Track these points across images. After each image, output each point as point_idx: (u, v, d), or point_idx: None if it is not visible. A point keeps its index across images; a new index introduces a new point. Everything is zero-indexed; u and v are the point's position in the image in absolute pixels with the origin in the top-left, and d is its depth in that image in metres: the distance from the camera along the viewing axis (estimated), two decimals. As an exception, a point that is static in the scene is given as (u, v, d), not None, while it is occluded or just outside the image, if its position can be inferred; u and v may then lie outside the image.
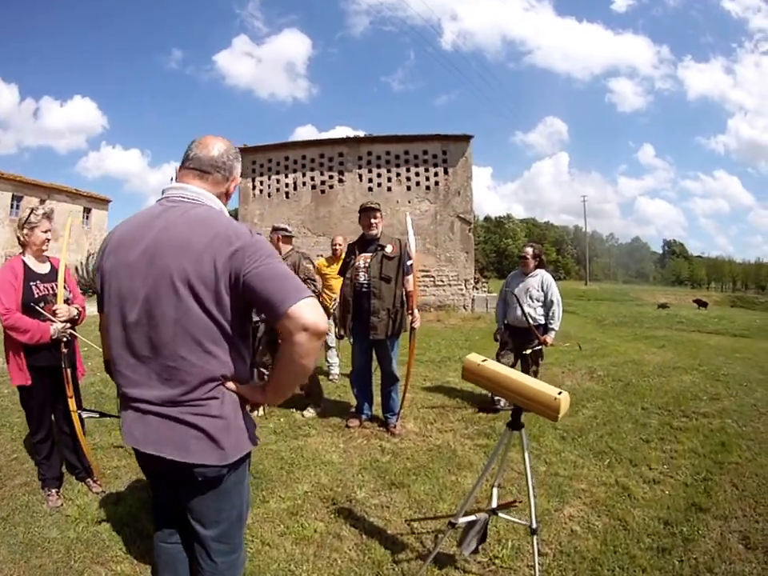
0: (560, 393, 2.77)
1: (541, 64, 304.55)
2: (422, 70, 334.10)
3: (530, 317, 6.94)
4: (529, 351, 6.91)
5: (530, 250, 7.43)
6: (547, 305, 7.16)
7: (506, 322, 7.37)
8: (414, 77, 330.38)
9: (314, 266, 7.14)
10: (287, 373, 2.16)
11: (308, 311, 1.97)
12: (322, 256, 9.19)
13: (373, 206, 6.28)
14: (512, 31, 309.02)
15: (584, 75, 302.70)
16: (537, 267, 7.42)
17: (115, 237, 2.27)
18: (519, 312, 6.97)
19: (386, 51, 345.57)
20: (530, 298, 7.15)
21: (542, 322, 7.17)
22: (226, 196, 2.39)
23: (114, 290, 2.19)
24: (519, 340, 7.12)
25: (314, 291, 6.69)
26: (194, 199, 2.22)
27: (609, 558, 3.63)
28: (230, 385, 2.19)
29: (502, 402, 6.47)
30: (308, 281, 6.60)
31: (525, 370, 6.97)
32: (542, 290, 7.18)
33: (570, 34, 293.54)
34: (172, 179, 2.49)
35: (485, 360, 3.14)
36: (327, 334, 6.80)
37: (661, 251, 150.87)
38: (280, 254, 6.87)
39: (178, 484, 2.26)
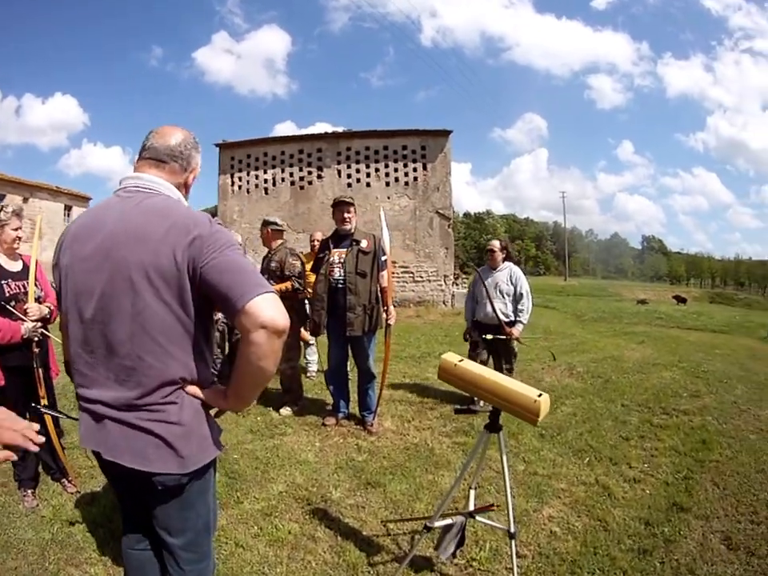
0: (540, 395, 2.70)
1: (520, 60, 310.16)
2: (401, 66, 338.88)
3: (501, 312, 6.87)
4: (490, 337, 6.83)
5: (496, 243, 7.32)
6: (516, 298, 7.05)
7: (475, 319, 7.25)
8: (394, 73, 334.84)
9: (302, 263, 6.98)
10: (246, 376, 2.02)
11: (266, 307, 1.86)
12: (302, 252, 9.12)
13: (346, 200, 6.22)
14: (491, 28, 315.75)
15: (563, 72, 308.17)
16: (505, 260, 7.30)
17: (71, 231, 2.16)
18: (489, 308, 6.86)
19: (366, 47, 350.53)
20: (500, 292, 7.03)
21: (512, 317, 7.09)
22: (185, 187, 2.28)
23: (70, 286, 2.08)
24: (493, 337, 6.93)
25: (300, 288, 6.69)
26: (150, 189, 2.11)
27: (589, 560, 3.58)
28: (190, 389, 2.07)
29: (481, 403, 6.35)
30: (293, 278, 6.58)
31: (497, 368, 6.90)
32: (512, 283, 7.06)
33: (549, 30, 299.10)
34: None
35: (462, 360, 3.05)
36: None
37: (640, 247, 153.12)
38: (270, 248, 6.94)
39: (141, 491, 2.16)
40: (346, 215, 6.15)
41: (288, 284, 6.48)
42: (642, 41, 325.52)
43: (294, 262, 6.75)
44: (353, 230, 6.23)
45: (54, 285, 2.27)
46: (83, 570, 3.43)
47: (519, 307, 7.00)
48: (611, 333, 17.00)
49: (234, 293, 1.87)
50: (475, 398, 6.20)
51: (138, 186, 2.11)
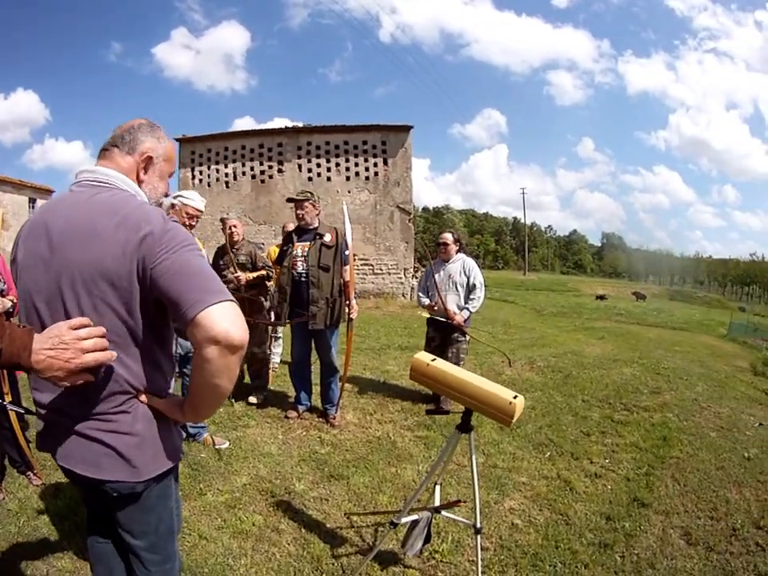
0: (515, 397, 2.66)
1: (478, 57, 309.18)
2: (360, 61, 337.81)
3: (456, 305, 6.84)
4: (427, 315, 6.94)
5: (449, 236, 7.18)
6: (470, 288, 6.91)
7: (428, 315, 7.12)
8: (352, 68, 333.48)
9: (265, 254, 7.16)
10: (200, 393, 1.85)
11: (221, 319, 1.66)
12: (264, 244, 8.93)
13: (299, 197, 6.19)
14: (450, 24, 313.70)
15: (523, 68, 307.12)
16: (458, 252, 7.18)
17: (26, 226, 2.03)
18: (441, 303, 6.80)
19: (325, 43, 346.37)
20: (453, 284, 6.93)
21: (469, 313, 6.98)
22: (138, 175, 2.09)
23: (22, 285, 1.96)
24: (444, 333, 6.93)
25: (271, 277, 6.81)
26: (103, 182, 1.96)
27: (550, 553, 3.64)
28: (144, 398, 1.94)
29: (452, 403, 6.36)
30: (266, 267, 6.73)
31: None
32: (465, 275, 6.93)
33: (508, 27, 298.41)
34: None
35: (434, 359, 2.97)
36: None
37: (599, 244, 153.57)
38: (234, 244, 6.92)
39: (99, 495, 2.07)
40: (298, 212, 6.16)
41: (263, 272, 6.60)
42: (603, 38, 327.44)
43: (262, 254, 6.97)
44: (314, 225, 6.24)
45: None
46: (50, 564, 3.40)
47: (471, 296, 6.87)
48: (571, 328, 17.26)
49: (186, 299, 1.69)
50: (442, 397, 6.27)
51: (90, 180, 1.98)
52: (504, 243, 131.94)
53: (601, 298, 36.58)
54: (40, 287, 1.88)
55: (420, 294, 7.33)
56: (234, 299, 1.73)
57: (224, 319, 1.65)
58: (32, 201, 41.02)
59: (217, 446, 5.33)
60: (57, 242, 1.85)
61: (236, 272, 6.41)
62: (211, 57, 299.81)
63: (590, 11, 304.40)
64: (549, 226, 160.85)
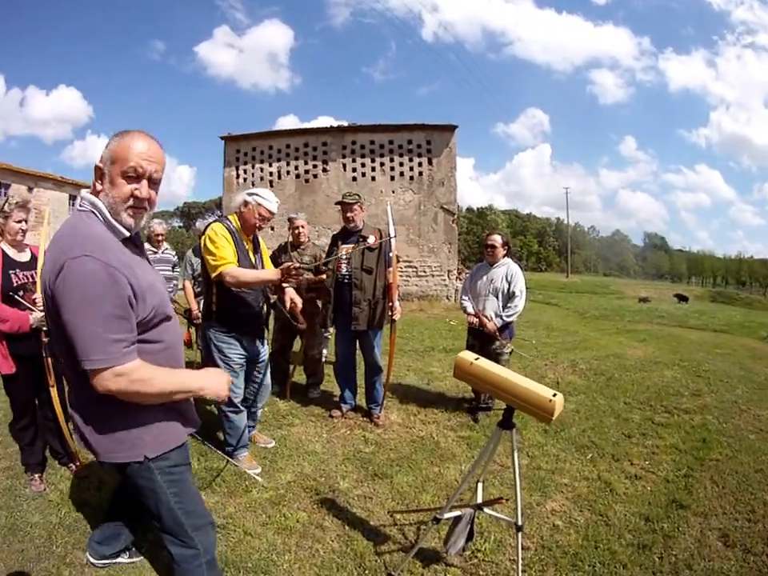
0: (555, 395, 2.73)
1: (521, 55, 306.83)
2: (403, 60, 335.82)
3: (495, 312, 6.60)
4: (454, 322, 6.77)
5: (498, 239, 6.80)
6: (509, 295, 6.60)
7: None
8: (396, 67, 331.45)
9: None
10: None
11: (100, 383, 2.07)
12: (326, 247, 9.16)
13: (348, 200, 6.23)
14: (492, 22, 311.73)
15: (565, 67, 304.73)
16: (505, 256, 6.82)
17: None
18: (482, 308, 6.69)
19: (367, 42, 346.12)
20: (494, 290, 6.67)
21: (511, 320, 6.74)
22: (96, 191, 2.28)
23: None
24: (484, 339, 6.64)
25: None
26: (78, 206, 2.26)
27: (590, 553, 3.66)
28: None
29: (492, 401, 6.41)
30: (328, 271, 6.64)
31: None
32: (507, 281, 6.62)
33: (549, 25, 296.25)
34: None
35: (477, 358, 3.08)
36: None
37: (642, 244, 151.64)
38: (299, 245, 7.10)
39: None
40: (348, 214, 6.20)
41: (324, 276, 6.56)
42: (644, 35, 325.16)
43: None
44: (359, 227, 6.28)
45: None
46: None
47: (508, 304, 6.58)
48: (613, 330, 16.96)
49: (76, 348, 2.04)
50: (483, 396, 6.32)
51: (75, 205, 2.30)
52: (547, 245, 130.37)
53: (644, 300, 36.04)
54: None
55: (463, 298, 7.07)
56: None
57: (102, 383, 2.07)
58: (72, 197, 40.69)
59: (262, 445, 5.42)
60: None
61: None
62: (255, 55, 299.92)
63: (629, 7, 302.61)
64: (591, 226, 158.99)
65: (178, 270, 8.45)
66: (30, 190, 36.12)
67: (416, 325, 15.09)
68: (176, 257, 8.51)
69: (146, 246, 7.86)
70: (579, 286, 58.47)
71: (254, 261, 4.80)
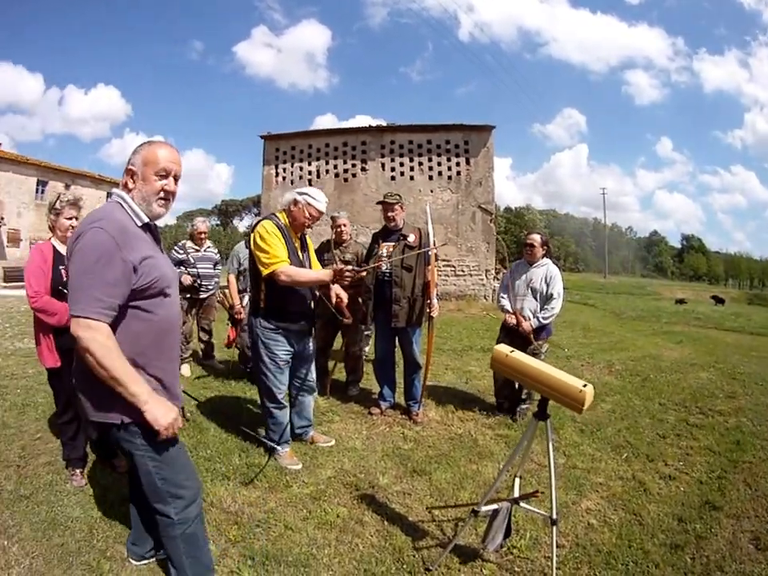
0: (585, 385, 2.83)
1: (557, 55, 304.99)
2: (440, 60, 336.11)
3: (532, 312, 6.54)
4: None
5: (537, 238, 6.70)
6: (546, 296, 6.54)
7: (506, 319, 6.78)
8: (433, 68, 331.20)
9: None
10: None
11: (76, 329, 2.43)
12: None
13: (389, 200, 6.35)
14: (527, 22, 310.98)
15: (600, 67, 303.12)
16: (544, 256, 6.74)
17: None
18: (519, 307, 6.61)
19: (404, 42, 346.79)
20: (532, 290, 6.60)
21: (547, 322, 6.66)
22: (127, 188, 2.75)
23: None
24: (519, 340, 6.34)
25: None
26: (110, 199, 2.81)
27: (623, 552, 3.68)
28: None
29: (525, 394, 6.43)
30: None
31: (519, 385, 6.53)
32: (546, 282, 6.55)
33: (584, 25, 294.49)
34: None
35: (513, 351, 3.20)
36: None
37: (679, 246, 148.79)
38: (341, 242, 7.23)
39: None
40: (389, 214, 6.32)
41: (364, 273, 6.41)
42: (677, 36, 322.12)
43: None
44: (400, 226, 6.40)
45: None
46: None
47: (545, 306, 6.51)
48: (650, 332, 16.86)
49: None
50: (522, 395, 6.36)
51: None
52: (584, 245, 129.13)
53: (680, 302, 35.60)
54: None
55: (502, 296, 7.01)
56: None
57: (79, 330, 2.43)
58: (110, 195, 41.60)
59: (322, 444, 5.51)
60: None
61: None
62: (293, 55, 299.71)
63: (662, 7, 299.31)
64: (629, 227, 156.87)
65: (220, 268, 8.63)
66: (67, 187, 36.72)
67: (454, 324, 15.18)
68: (218, 255, 8.65)
69: (189, 243, 8.12)
70: (616, 286, 57.91)
71: (301, 258, 4.93)
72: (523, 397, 6.58)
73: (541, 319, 6.47)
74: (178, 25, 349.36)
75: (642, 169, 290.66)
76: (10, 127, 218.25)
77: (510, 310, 6.71)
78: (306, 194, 4.85)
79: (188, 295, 8.29)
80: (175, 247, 8.25)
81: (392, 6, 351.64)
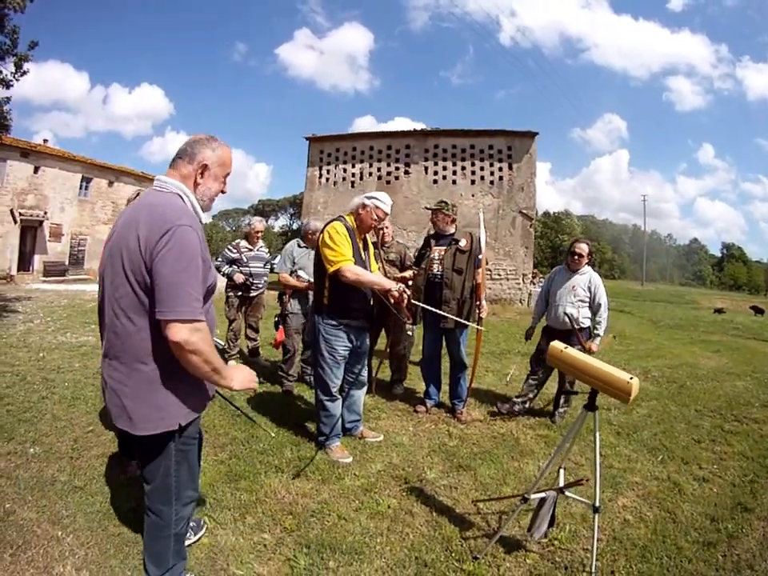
0: (632, 378, 3.03)
1: (599, 61, 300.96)
2: (481, 64, 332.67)
3: (573, 318, 6.53)
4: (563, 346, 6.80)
5: (585, 248, 6.68)
6: (594, 308, 6.61)
7: (547, 325, 6.97)
8: (474, 71, 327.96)
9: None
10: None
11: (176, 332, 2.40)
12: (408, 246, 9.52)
13: (435, 207, 6.62)
14: (569, 28, 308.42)
15: (642, 73, 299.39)
16: (586, 264, 6.76)
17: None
18: (561, 312, 6.62)
19: (446, 46, 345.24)
20: (575, 297, 6.60)
21: (585, 325, 6.68)
22: (194, 179, 2.74)
23: (105, 256, 2.70)
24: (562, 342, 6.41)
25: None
26: (160, 188, 2.67)
27: (658, 547, 3.85)
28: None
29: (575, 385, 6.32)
30: (413, 267, 7.00)
31: (561, 382, 6.84)
32: (589, 291, 6.60)
33: (626, 31, 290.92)
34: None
35: (566, 347, 3.45)
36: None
37: (719, 254, 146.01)
38: (384, 243, 7.38)
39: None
40: (433, 218, 6.63)
41: (410, 272, 6.82)
42: (721, 43, 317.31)
43: (411, 255, 7.40)
44: (450, 231, 6.64)
45: None
46: (187, 537, 3.64)
47: (597, 319, 6.59)
48: (687, 340, 16.79)
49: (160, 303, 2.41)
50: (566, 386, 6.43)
51: (156, 186, 2.70)
52: (621, 252, 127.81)
53: (719, 311, 35.01)
54: (102, 267, 2.71)
55: (538, 306, 7.22)
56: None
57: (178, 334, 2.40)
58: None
59: (371, 439, 5.73)
60: (115, 230, 2.66)
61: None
62: (335, 57, 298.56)
63: (705, 14, 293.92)
64: (668, 234, 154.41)
65: (267, 266, 8.82)
66: (111, 184, 37.25)
67: (490, 328, 15.21)
68: (269, 254, 8.88)
69: (243, 243, 8.33)
70: (654, 294, 57.03)
71: (363, 258, 5.19)
72: (561, 402, 6.75)
73: (601, 334, 6.64)
74: (222, 27, 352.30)
75: (683, 175, 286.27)
76: (54, 124, 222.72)
77: (533, 324, 7.09)
78: (373, 197, 5.18)
79: (239, 293, 8.54)
80: (229, 246, 8.45)
81: (433, 11, 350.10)
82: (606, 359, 9.34)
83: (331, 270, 4.86)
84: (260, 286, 8.77)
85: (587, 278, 6.68)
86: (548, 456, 5.36)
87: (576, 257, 6.70)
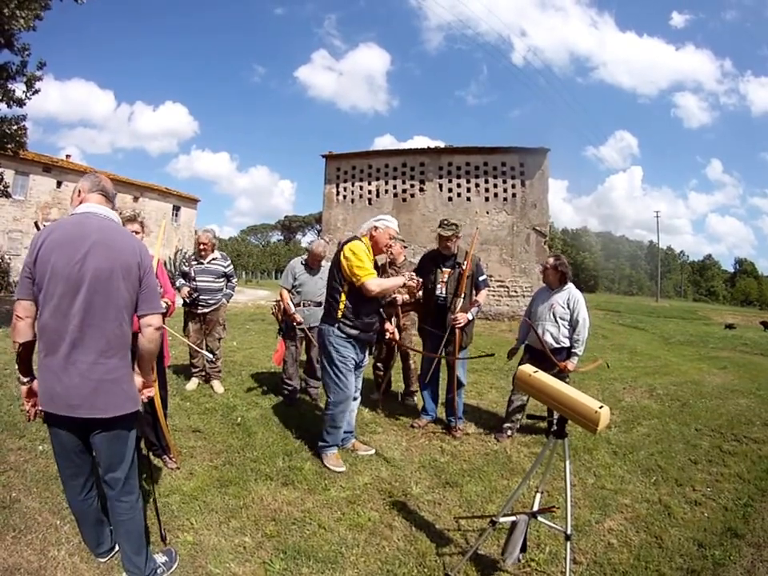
0: (601, 407, 2.95)
1: (608, 79, 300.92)
2: (494, 84, 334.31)
3: (553, 337, 6.50)
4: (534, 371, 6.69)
5: (550, 260, 6.72)
6: (572, 323, 6.51)
7: (526, 343, 6.88)
8: (488, 91, 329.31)
9: None
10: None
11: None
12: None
13: (445, 232, 6.58)
14: (578, 46, 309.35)
15: (650, 90, 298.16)
16: (561, 281, 6.64)
17: (55, 238, 2.95)
18: (541, 331, 6.53)
19: (460, 66, 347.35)
20: (554, 315, 6.55)
21: (566, 344, 6.55)
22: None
23: (51, 276, 2.90)
24: (540, 366, 6.22)
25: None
26: (107, 216, 3.20)
27: (639, 573, 3.76)
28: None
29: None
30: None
31: (549, 413, 6.52)
32: (568, 308, 6.51)
33: (632, 48, 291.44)
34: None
35: (536, 371, 3.44)
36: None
37: (732, 270, 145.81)
38: (394, 264, 7.55)
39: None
40: (447, 243, 6.63)
41: (420, 293, 6.86)
42: (725, 58, 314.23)
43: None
44: (455, 252, 6.70)
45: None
46: (175, 535, 3.92)
47: (575, 336, 6.48)
48: (696, 357, 16.68)
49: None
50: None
51: (98, 214, 3.14)
52: (639, 268, 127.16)
53: (730, 327, 34.82)
54: (66, 280, 2.89)
55: (522, 326, 7.07)
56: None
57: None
58: (176, 208, 43.82)
59: (362, 452, 5.77)
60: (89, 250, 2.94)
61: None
62: (353, 78, 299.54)
63: (706, 29, 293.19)
64: (681, 250, 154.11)
65: (232, 282, 8.56)
66: (136, 199, 38.13)
67: (503, 345, 14.61)
68: (229, 267, 8.43)
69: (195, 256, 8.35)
70: (668, 310, 56.84)
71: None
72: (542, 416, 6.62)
73: (579, 353, 6.49)
74: (242, 50, 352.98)
75: (694, 191, 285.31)
76: (80, 140, 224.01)
77: (516, 345, 7.01)
78: (381, 219, 5.61)
79: (187, 309, 8.22)
80: (183, 259, 8.36)
81: (447, 32, 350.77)
82: (615, 375, 9.69)
83: (359, 282, 5.15)
84: (210, 302, 8.21)
85: (566, 294, 6.63)
86: (539, 475, 5.09)
87: (545, 271, 6.81)
